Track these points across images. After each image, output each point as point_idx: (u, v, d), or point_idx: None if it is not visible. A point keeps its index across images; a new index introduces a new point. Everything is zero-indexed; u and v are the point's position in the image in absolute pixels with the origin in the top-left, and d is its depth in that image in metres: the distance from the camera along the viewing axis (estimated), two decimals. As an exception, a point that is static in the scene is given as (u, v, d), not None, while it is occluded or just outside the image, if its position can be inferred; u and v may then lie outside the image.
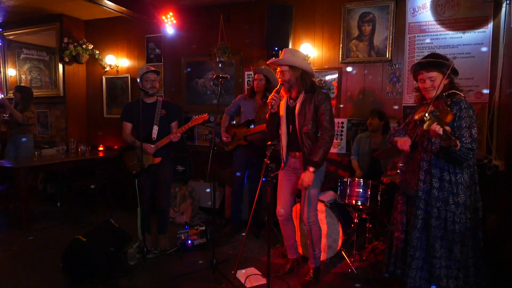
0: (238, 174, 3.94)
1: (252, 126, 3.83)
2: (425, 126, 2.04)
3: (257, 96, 3.87)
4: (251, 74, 4.76)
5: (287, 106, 2.84)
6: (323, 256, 3.28)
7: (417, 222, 2.28)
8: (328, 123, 2.69)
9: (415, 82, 2.48)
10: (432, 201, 2.22)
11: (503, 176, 3.26)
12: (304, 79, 2.73)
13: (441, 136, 1.96)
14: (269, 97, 2.78)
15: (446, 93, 2.22)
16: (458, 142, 1.96)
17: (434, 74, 2.25)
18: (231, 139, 3.94)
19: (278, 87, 2.77)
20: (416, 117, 2.24)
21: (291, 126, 2.82)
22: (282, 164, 2.96)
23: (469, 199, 2.20)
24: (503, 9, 3.54)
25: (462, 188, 2.18)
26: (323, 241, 3.27)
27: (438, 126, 1.96)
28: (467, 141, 2.08)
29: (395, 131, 2.52)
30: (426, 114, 2.04)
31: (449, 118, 2.06)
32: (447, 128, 1.96)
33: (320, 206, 3.29)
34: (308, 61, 4.42)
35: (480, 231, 2.31)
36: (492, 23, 3.68)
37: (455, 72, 2.29)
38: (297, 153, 2.84)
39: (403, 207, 2.44)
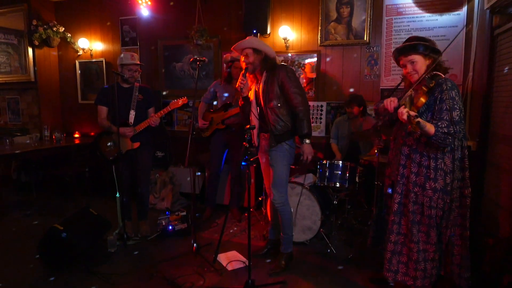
0: (215, 158, 3.97)
1: (230, 109, 3.81)
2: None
3: (233, 82, 3.89)
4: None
5: (255, 90, 2.90)
6: (302, 238, 3.34)
7: (394, 206, 2.29)
8: (298, 94, 2.72)
9: (392, 66, 2.48)
10: (410, 186, 2.22)
11: (475, 156, 3.37)
12: (266, 61, 2.80)
13: (406, 120, 1.98)
14: (237, 82, 2.82)
15: (428, 75, 2.15)
16: (431, 129, 1.98)
17: (413, 57, 2.20)
18: (209, 125, 3.92)
19: (243, 70, 2.81)
20: (403, 102, 2.21)
21: (258, 107, 2.88)
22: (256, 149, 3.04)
23: (451, 185, 2.15)
24: (477, -8, 3.59)
25: (441, 174, 2.13)
26: (303, 222, 3.33)
27: (405, 109, 1.96)
28: (443, 125, 2.03)
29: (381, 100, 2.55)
30: (407, 98, 2.04)
31: (420, 102, 2.07)
32: (412, 112, 1.94)
33: (300, 189, 3.33)
34: (287, 44, 4.39)
35: (468, 220, 2.24)
36: (466, 5, 3.73)
37: (436, 51, 2.19)
38: (266, 135, 2.88)
39: (388, 189, 2.45)
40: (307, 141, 2.76)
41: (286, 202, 2.89)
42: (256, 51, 2.77)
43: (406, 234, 2.28)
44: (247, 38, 2.87)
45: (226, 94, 3.88)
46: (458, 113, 2.07)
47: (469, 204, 2.24)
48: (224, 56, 3.90)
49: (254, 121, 2.90)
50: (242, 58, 2.83)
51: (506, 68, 2.99)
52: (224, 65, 3.90)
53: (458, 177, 2.20)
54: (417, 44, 2.20)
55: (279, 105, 2.75)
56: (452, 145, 2.14)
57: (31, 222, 4.08)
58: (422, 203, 2.20)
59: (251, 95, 2.91)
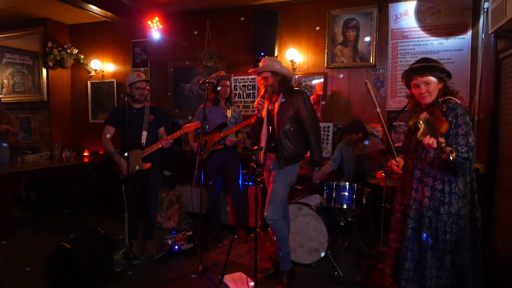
0: (212, 181, 3.97)
1: (225, 129, 3.84)
2: (418, 134, 1.97)
3: (221, 102, 3.94)
4: (238, 79, 4.80)
5: (268, 109, 2.98)
6: (309, 260, 3.31)
7: (408, 232, 2.23)
8: (313, 124, 2.88)
9: (399, 88, 2.48)
10: (423, 211, 2.17)
11: (484, 179, 3.35)
12: (284, 83, 2.90)
13: (435, 149, 1.93)
14: (255, 103, 2.89)
15: (442, 99, 2.15)
16: (453, 155, 1.88)
17: (428, 78, 2.18)
18: (204, 147, 3.92)
19: (263, 92, 2.89)
20: (411, 122, 2.17)
21: (270, 127, 2.95)
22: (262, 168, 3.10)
23: (463, 209, 2.13)
24: (482, 17, 3.66)
25: (455, 198, 2.11)
26: (310, 244, 3.30)
27: (432, 139, 1.89)
28: (463, 150, 2.00)
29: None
30: (420, 121, 1.97)
31: (444, 128, 1.97)
32: (441, 140, 1.88)
33: (306, 210, 3.32)
34: (294, 66, 4.47)
35: (479, 243, 2.21)
36: (471, 30, 3.79)
37: (448, 75, 2.21)
38: (272, 155, 2.97)
39: (401, 216, 2.39)
40: (317, 168, 2.98)
41: (278, 220, 2.90)
42: (274, 73, 2.85)
43: (419, 260, 2.22)
44: (262, 60, 2.93)
45: (215, 116, 3.90)
46: (472, 138, 2.08)
47: (480, 227, 2.21)
48: (209, 77, 3.89)
49: (263, 138, 2.96)
50: (261, 80, 2.92)
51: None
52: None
53: (469, 201, 2.18)
54: (435, 66, 2.19)
55: (292, 129, 2.84)
56: (466, 170, 2.12)
57: (38, 240, 4.10)
58: (436, 228, 2.14)
59: (263, 113, 2.97)
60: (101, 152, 5.55)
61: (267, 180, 3.08)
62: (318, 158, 2.92)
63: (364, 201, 3.29)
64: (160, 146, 3.39)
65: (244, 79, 4.79)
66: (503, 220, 3.03)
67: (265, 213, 2.89)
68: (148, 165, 3.42)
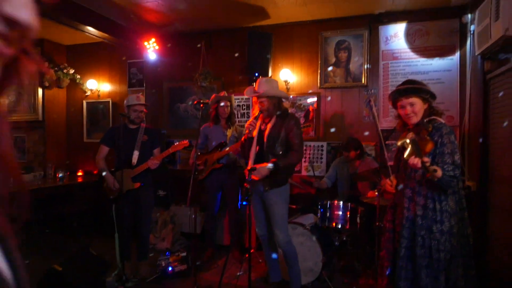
0: (210, 199, 3.97)
1: (225, 148, 3.86)
2: (405, 155, 2.01)
3: (221, 122, 3.98)
4: (236, 99, 4.85)
5: (259, 128, 2.98)
6: (304, 280, 3.27)
7: (401, 251, 2.24)
8: (298, 146, 2.87)
9: (390, 108, 2.52)
10: (416, 230, 2.18)
11: (476, 197, 3.38)
12: (279, 105, 2.93)
13: (419, 168, 1.97)
14: (248, 122, 2.92)
15: (427, 119, 2.21)
16: (438, 173, 1.93)
17: (413, 99, 2.24)
18: (204, 166, 3.96)
19: (257, 114, 2.91)
20: (399, 143, 2.20)
21: (258, 146, 2.93)
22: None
23: (455, 226, 2.15)
24: (468, 39, 3.78)
25: (447, 216, 2.13)
26: (305, 264, 3.28)
27: (417, 159, 1.94)
28: (449, 169, 2.05)
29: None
30: (407, 140, 2.01)
31: (428, 147, 2.03)
32: (426, 159, 1.92)
33: (301, 230, 3.31)
34: (288, 86, 4.55)
35: (472, 259, 2.23)
36: (459, 51, 3.91)
37: (433, 96, 2.28)
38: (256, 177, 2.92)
39: (390, 234, 2.40)
40: (270, 165, 2.74)
41: (290, 240, 2.91)
42: (270, 97, 2.87)
43: (413, 279, 2.22)
44: (258, 81, 2.93)
45: (216, 135, 3.94)
46: (458, 156, 2.13)
47: (472, 243, 2.23)
48: (211, 97, 3.98)
49: (251, 157, 2.94)
50: (256, 101, 2.92)
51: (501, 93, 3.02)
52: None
53: (461, 218, 2.20)
54: (419, 88, 2.26)
55: (281, 152, 2.83)
56: (456, 187, 2.16)
57: (30, 261, 4.03)
58: (429, 246, 2.15)
59: (255, 131, 2.97)
60: (95, 172, 5.52)
61: (255, 200, 3.01)
62: (282, 165, 2.76)
63: (358, 220, 3.30)
64: (147, 166, 3.40)
65: (239, 98, 4.85)
66: (496, 237, 3.05)
67: (278, 239, 2.86)
68: (137, 184, 3.42)
